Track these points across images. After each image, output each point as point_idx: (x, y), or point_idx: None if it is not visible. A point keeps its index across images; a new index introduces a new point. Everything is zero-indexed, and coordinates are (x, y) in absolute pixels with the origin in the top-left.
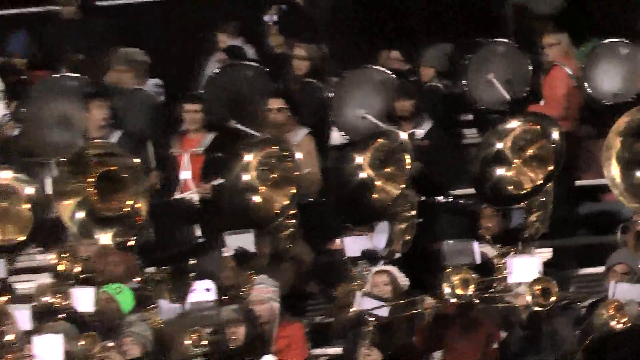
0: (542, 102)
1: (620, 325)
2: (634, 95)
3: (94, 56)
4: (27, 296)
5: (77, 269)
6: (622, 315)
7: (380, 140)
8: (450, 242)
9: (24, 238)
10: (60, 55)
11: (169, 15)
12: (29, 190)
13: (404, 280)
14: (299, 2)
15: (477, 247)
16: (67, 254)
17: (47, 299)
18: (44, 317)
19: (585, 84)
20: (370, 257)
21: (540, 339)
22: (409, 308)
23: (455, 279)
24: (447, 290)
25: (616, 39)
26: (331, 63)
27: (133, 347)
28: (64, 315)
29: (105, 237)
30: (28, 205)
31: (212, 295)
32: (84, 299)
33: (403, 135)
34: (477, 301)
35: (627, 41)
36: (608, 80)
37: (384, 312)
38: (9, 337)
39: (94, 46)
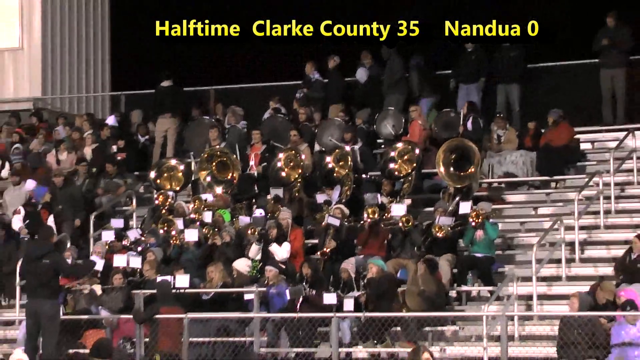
0: (408, 135)
1: (441, 235)
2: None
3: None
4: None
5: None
6: (441, 231)
7: (337, 151)
8: (368, 194)
9: (179, 188)
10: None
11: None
12: (182, 167)
13: (346, 210)
14: (320, 80)
15: (379, 197)
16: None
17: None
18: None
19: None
20: (326, 203)
21: (405, 240)
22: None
23: (370, 210)
24: (365, 215)
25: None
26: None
27: (226, 236)
28: (198, 222)
29: (219, 189)
30: (181, 172)
31: (263, 214)
32: (207, 216)
33: (348, 148)
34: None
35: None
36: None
37: (337, 224)
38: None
39: None
